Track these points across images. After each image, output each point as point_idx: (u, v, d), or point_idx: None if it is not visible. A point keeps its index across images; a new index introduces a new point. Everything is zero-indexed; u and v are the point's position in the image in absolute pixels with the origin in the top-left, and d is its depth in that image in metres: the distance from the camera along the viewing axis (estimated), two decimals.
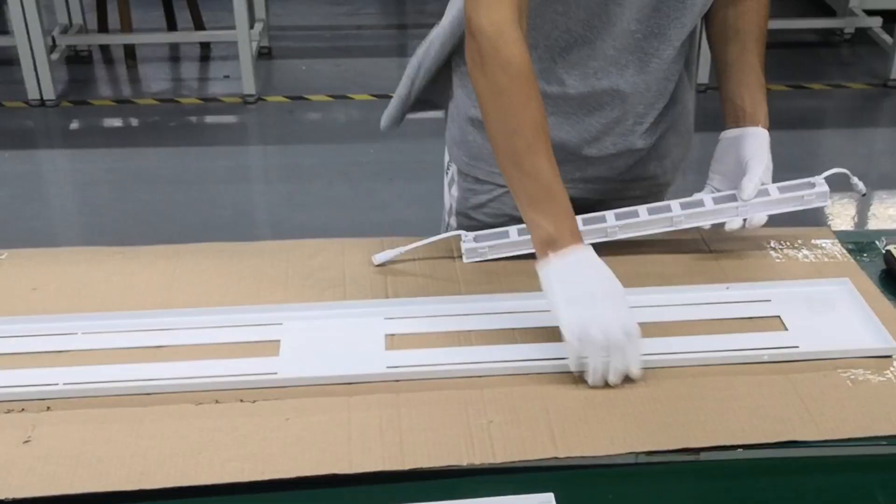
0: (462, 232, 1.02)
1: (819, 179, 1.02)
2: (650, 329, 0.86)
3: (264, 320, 0.91)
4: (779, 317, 0.91)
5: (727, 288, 0.95)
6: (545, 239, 0.84)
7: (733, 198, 0.99)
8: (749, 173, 0.97)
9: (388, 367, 0.84)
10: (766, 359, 0.86)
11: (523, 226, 0.93)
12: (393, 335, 0.89)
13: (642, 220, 1.00)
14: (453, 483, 0.74)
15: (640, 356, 0.82)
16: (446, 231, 1.11)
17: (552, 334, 0.84)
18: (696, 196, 1.01)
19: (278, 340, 0.88)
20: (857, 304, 0.93)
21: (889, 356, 0.87)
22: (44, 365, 0.85)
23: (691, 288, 0.96)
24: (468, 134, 1.07)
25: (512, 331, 0.89)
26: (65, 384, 0.82)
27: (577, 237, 0.85)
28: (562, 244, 0.83)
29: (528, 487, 0.72)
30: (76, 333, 0.89)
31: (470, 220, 1.11)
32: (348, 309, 0.92)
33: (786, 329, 0.90)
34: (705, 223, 1.00)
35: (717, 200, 1.00)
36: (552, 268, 0.83)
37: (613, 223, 0.99)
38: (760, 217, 0.99)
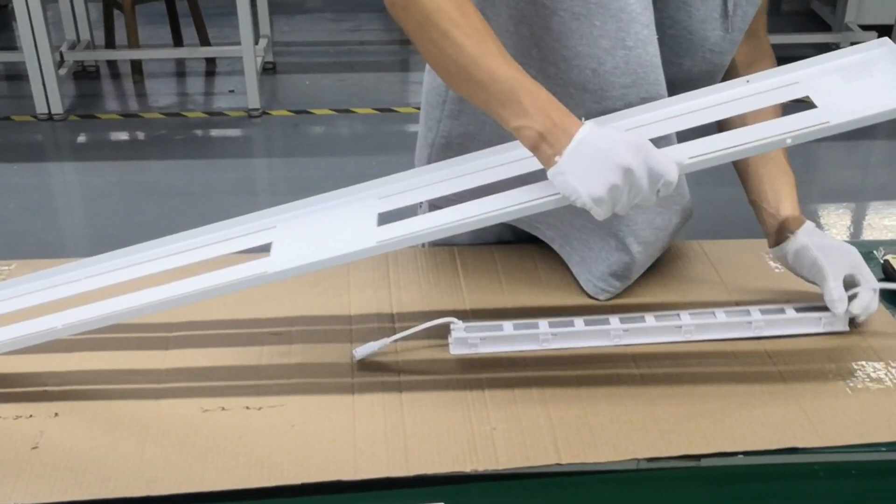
0: (452, 319, 0.90)
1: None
2: (671, 139, 0.82)
3: (256, 228, 0.87)
4: (807, 97, 0.82)
5: (747, 81, 0.85)
6: (536, 140, 0.75)
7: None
8: (825, 284, 0.89)
9: (378, 242, 0.80)
10: (789, 142, 0.79)
11: (519, 321, 0.89)
12: (385, 212, 0.85)
13: (648, 325, 0.91)
14: (457, 489, 0.75)
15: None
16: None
17: (542, 175, 0.78)
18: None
19: (270, 243, 0.84)
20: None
21: None
22: (41, 314, 0.84)
23: (708, 90, 0.85)
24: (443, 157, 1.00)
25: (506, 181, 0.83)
26: (63, 325, 0.82)
27: (568, 119, 0.75)
28: (556, 135, 0.75)
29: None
30: (75, 281, 0.86)
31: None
32: (340, 198, 0.87)
33: (815, 107, 0.81)
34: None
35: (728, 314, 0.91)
36: (563, 170, 0.74)
37: (617, 326, 0.90)
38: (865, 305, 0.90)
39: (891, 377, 0.87)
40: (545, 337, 0.89)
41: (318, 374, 0.87)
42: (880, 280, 1.02)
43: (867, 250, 1.08)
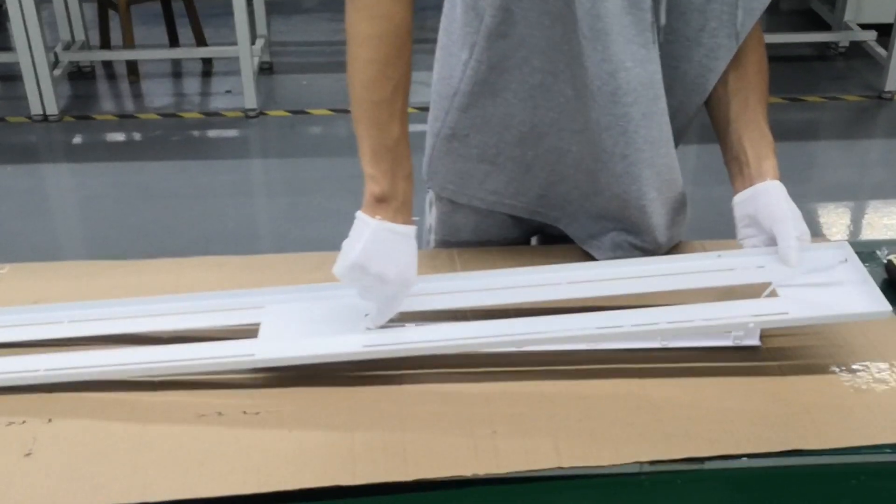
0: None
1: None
2: (629, 300, 0.86)
3: (245, 304, 0.90)
4: (769, 283, 0.88)
5: (719, 256, 0.92)
6: (377, 195, 0.84)
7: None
8: (780, 240, 0.89)
9: (364, 347, 0.84)
10: (751, 326, 0.85)
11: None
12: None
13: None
14: (457, 493, 0.74)
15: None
16: (427, 246, 1.11)
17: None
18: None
19: (258, 323, 0.88)
20: (855, 269, 0.89)
21: (885, 317, 0.83)
22: (25, 353, 0.86)
23: (678, 257, 0.95)
24: (447, 155, 1.04)
25: (509, 307, 0.88)
26: (46, 370, 0.83)
27: (407, 208, 0.84)
28: (390, 210, 0.83)
29: None
30: (62, 322, 0.89)
31: (450, 244, 1.09)
32: (330, 291, 0.91)
33: (777, 296, 0.87)
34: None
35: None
36: (370, 229, 0.83)
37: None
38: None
39: (895, 378, 0.86)
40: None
41: (315, 378, 0.86)
42: (883, 280, 1.01)
43: (869, 250, 1.07)
